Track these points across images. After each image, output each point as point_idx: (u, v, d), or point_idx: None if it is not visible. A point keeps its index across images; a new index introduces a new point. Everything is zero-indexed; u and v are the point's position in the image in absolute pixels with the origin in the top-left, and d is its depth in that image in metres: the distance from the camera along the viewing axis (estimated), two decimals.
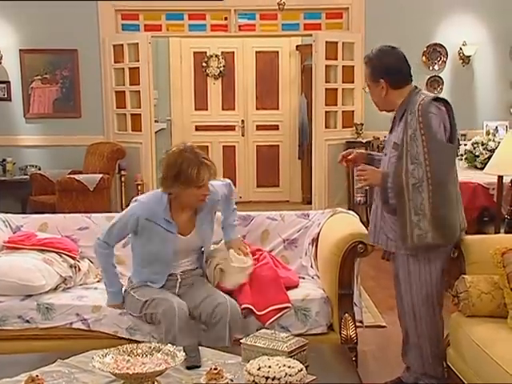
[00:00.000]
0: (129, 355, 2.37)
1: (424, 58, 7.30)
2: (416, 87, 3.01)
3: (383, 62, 2.99)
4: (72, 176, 6.53)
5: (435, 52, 7.30)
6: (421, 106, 2.84)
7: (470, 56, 7.25)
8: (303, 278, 3.62)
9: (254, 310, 3.22)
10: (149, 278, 3.23)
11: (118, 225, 3.23)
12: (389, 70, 2.97)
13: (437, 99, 2.90)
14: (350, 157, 3.22)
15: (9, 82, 7.14)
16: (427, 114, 2.82)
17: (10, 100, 7.17)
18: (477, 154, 5.52)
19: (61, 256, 3.60)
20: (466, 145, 5.78)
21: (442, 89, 7.35)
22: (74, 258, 3.66)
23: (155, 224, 3.15)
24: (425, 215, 2.81)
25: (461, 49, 7.24)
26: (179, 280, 3.25)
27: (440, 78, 7.34)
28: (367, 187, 3.16)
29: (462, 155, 5.73)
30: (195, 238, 3.26)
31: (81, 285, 3.60)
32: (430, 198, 2.81)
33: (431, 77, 7.33)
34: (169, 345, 2.43)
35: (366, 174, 3.00)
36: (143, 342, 3.15)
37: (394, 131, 3.01)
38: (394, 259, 3.22)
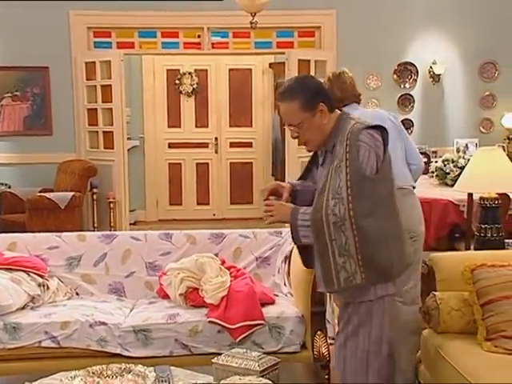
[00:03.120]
0: (98, 377, 2.35)
1: (395, 76, 7.39)
2: (344, 112, 2.59)
3: (313, 83, 2.58)
4: (43, 194, 6.45)
5: (406, 70, 7.40)
6: (350, 134, 2.45)
7: (439, 74, 7.36)
8: (277, 296, 3.62)
9: (224, 324, 3.24)
10: None
11: None
12: (322, 89, 2.58)
13: (370, 127, 2.48)
14: (284, 194, 2.65)
15: None
16: (355, 143, 2.43)
17: None
18: (447, 171, 5.58)
19: (29, 275, 3.56)
20: (436, 162, 5.85)
21: (413, 107, 7.45)
22: (42, 277, 3.61)
23: None
24: (351, 256, 2.38)
25: (431, 67, 7.35)
26: None
27: (411, 96, 7.44)
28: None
29: (432, 172, 5.80)
30: None
31: (50, 303, 3.56)
32: (356, 237, 2.38)
33: (402, 95, 7.43)
34: (139, 365, 2.40)
35: (274, 210, 2.55)
36: (114, 354, 3.16)
37: (325, 164, 2.56)
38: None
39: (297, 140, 2.58)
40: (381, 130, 2.49)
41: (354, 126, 2.48)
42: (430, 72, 7.38)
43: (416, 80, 7.41)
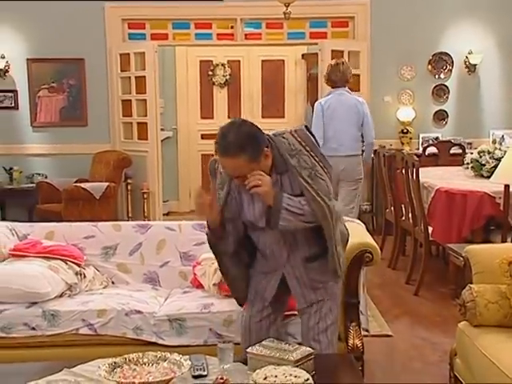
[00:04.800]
0: (135, 364, 2.37)
1: (430, 66, 7.31)
2: (270, 137, 2.60)
3: (253, 131, 2.51)
4: (78, 184, 6.54)
5: (441, 60, 7.31)
6: (303, 142, 2.55)
7: (475, 64, 7.25)
8: None
9: None
10: None
11: None
12: (260, 133, 2.53)
13: (306, 128, 2.63)
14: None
15: (16, 90, 7.19)
16: (314, 144, 2.57)
17: (18, 109, 7.21)
18: (483, 162, 5.50)
19: (66, 263, 3.61)
20: (472, 153, 5.77)
21: (447, 97, 7.36)
22: (79, 265, 3.67)
23: None
24: (340, 240, 2.69)
25: (467, 57, 7.25)
26: None
27: (446, 86, 7.35)
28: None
29: (468, 164, 5.72)
30: None
31: (86, 291, 3.61)
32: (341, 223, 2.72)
33: (437, 85, 7.34)
34: (175, 354, 2.42)
35: (263, 182, 2.49)
36: (150, 343, 3.21)
37: (278, 185, 2.59)
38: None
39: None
40: (307, 128, 2.65)
41: (294, 135, 2.57)
42: (465, 62, 7.29)
43: (451, 70, 7.32)
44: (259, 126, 2.56)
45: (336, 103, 5.55)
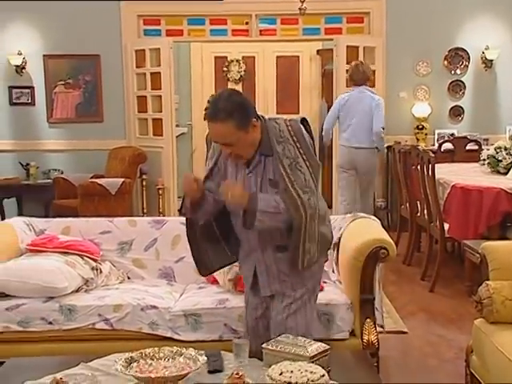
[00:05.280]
0: (151, 359, 2.39)
1: (446, 62, 7.26)
2: (262, 116, 2.64)
3: (243, 100, 2.54)
4: (94, 180, 6.58)
5: (457, 56, 7.26)
6: (292, 132, 2.57)
7: (492, 60, 7.19)
8: (325, 283, 3.61)
9: None
10: None
11: None
12: (251, 103, 2.57)
13: (300, 120, 2.63)
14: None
15: (33, 87, 7.23)
16: (303, 137, 2.57)
17: (34, 105, 7.26)
18: (499, 158, 5.47)
19: (83, 258, 3.63)
20: (488, 149, 5.73)
21: (463, 93, 7.31)
22: (95, 261, 3.69)
23: None
24: (315, 240, 2.61)
25: (483, 53, 7.19)
26: None
27: (462, 82, 7.30)
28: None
29: (484, 160, 5.69)
30: None
31: (103, 286, 3.63)
32: (317, 221, 2.61)
33: (453, 81, 7.29)
34: (190, 349, 2.44)
35: (236, 193, 2.50)
36: (165, 338, 3.23)
37: (255, 171, 2.62)
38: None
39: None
40: (305, 120, 2.66)
41: (287, 123, 2.58)
42: (482, 58, 7.23)
43: (467, 66, 7.27)
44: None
45: (354, 99, 6.09)
